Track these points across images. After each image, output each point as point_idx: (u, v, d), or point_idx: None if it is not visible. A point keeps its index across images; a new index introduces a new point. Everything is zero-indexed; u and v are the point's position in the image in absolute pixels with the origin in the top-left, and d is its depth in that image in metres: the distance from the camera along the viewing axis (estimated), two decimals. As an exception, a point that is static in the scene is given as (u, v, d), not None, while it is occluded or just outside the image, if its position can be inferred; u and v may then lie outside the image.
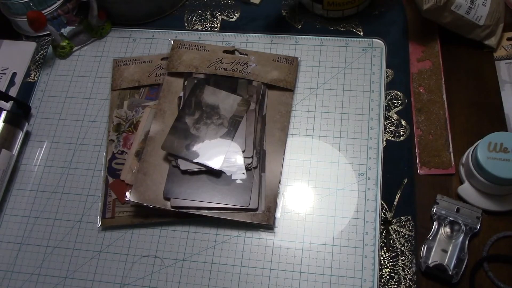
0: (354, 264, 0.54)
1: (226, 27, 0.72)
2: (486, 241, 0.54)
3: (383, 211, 0.57)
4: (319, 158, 0.61)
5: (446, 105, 0.62)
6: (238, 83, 0.65)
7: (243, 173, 0.59)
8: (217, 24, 0.72)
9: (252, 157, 0.60)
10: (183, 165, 0.59)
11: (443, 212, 0.55)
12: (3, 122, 0.63)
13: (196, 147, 0.60)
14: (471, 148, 0.56)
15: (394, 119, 0.62)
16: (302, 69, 0.66)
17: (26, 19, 0.66)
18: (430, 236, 0.54)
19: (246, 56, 0.67)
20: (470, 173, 0.55)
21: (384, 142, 0.60)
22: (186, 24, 0.73)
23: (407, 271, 0.54)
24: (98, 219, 0.60)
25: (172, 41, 0.69)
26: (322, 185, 0.59)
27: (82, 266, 0.58)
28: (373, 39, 0.67)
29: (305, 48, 0.68)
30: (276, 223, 0.57)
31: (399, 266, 0.54)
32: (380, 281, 0.53)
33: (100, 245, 0.59)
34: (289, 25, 0.70)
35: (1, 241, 0.61)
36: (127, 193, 0.59)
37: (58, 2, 0.74)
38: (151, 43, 0.72)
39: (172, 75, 0.66)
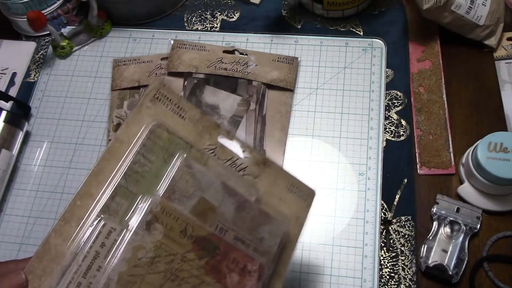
0: (354, 264, 0.54)
1: (226, 27, 0.72)
2: (486, 241, 0.54)
3: (383, 211, 0.57)
4: (319, 158, 0.61)
5: (446, 105, 0.62)
6: (238, 83, 0.65)
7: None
8: (217, 24, 0.72)
9: (252, 157, 0.60)
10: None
11: (443, 212, 0.55)
12: (3, 122, 0.63)
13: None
14: (471, 148, 0.56)
15: (394, 119, 0.62)
16: (302, 69, 0.66)
17: (26, 19, 0.66)
18: (430, 236, 0.54)
19: (246, 56, 0.67)
20: (470, 173, 0.55)
21: (384, 142, 0.60)
22: (186, 24, 0.73)
23: (407, 271, 0.54)
24: (98, 219, 0.60)
25: (172, 41, 0.69)
26: (322, 185, 0.59)
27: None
28: (373, 39, 0.67)
29: (305, 48, 0.68)
30: (276, 223, 0.57)
31: (399, 266, 0.54)
32: (380, 281, 0.53)
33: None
34: (289, 25, 0.70)
35: (1, 241, 0.61)
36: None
37: (58, 2, 0.74)
38: (151, 43, 0.72)
39: (172, 75, 0.66)
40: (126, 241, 0.35)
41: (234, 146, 0.40)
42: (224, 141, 0.40)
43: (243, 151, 0.40)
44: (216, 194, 0.38)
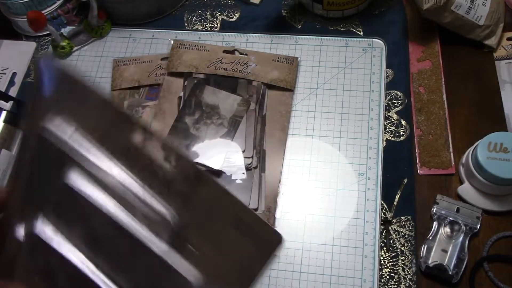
0: (354, 264, 0.54)
1: (226, 27, 0.72)
2: (486, 241, 0.54)
3: (383, 211, 0.57)
4: (319, 158, 0.61)
5: (446, 105, 0.62)
6: (238, 83, 0.65)
7: (243, 173, 0.59)
8: (217, 24, 0.72)
9: (252, 157, 0.60)
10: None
11: (443, 212, 0.55)
12: (3, 122, 0.63)
13: (196, 147, 0.60)
14: (471, 148, 0.56)
15: (394, 119, 0.62)
16: (302, 69, 0.66)
17: (26, 19, 0.66)
18: (430, 236, 0.54)
19: (246, 56, 0.67)
20: (470, 173, 0.55)
21: (384, 142, 0.60)
22: (186, 24, 0.73)
23: (407, 271, 0.54)
24: (98, 219, 0.60)
25: (172, 41, 0.69)
26: (322, 185, 0.59)
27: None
28: (373, 39, 0.67)
29: (305, 48, 0.68)
30: (276, 223, 0.57)
31: (399, 266, 0.54)
32: (380, 281, 0.53)
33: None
34: (289, 25, 0.70)
35: (1, 241, 0.61)
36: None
37: (58, 2, 0.74)
38: (151, 43, 0.72)
39: (172, 75, 0.66)
40: None
41: (153, 149, 0.29)
42: (140, 139, 0.29)
43: (165, 158, 0.28)
44: (104, 227, 0.29)
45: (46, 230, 0.30)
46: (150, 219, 0.28)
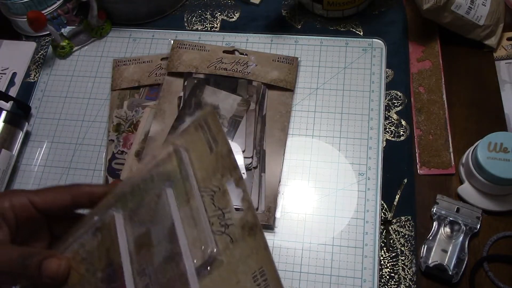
0: (354, 264, 0.54)
1: (226, 27, 0.72)
2: (486, 241, 0.54)
3: (383, 211, 0.57)
4: (319, 158, 0.61)
5: (446, 105, 0.62)
6: (238, 83, 0.65)
7: (243, 173, 0.59)
8: (217, 24, 0.72)
9: (252, 157, 0.60)
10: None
11: (443, 212, 0.55)
12: (3, 122, 0.63)
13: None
14: (471, 148, 0.56)
15: (394, 119, 0.62)
16: (302, 69, 0.66)
17: (26, 19, 0.66)
18: (430, 236, 0.54)
19: (246, 56, 0.67)
20: (470, 173, 0.55)
21: (384, 142, 0.60)
22: (186, 24, 0.73)
23: (407, 271, 0.54)
24: (98, 219, 0.60)
25: (172, 41, 0.69)
26: (322, 185, 0.59)
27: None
28: (373, 39, 0.67)
29: (305, 48, 0.68)
30: (276, 223, 0.57)
31: (399, 266, 0.54)
32: (380, 281, 0.53)
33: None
34: (289, 25, 0.70)
35: (1, 241, 0.61)
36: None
37: (58, 2, 0.74)
38: (151, 43, 0.72)
39: (172, 75, 0.66)
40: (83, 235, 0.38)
41: (235, 195, 0.33)
42: (230, 186, 0.33)
43: (240, 206, 0.32)
44: (160, 233, 0.34)
45: (116, 218, 0.36)
46: (196, 243, 0.32)
